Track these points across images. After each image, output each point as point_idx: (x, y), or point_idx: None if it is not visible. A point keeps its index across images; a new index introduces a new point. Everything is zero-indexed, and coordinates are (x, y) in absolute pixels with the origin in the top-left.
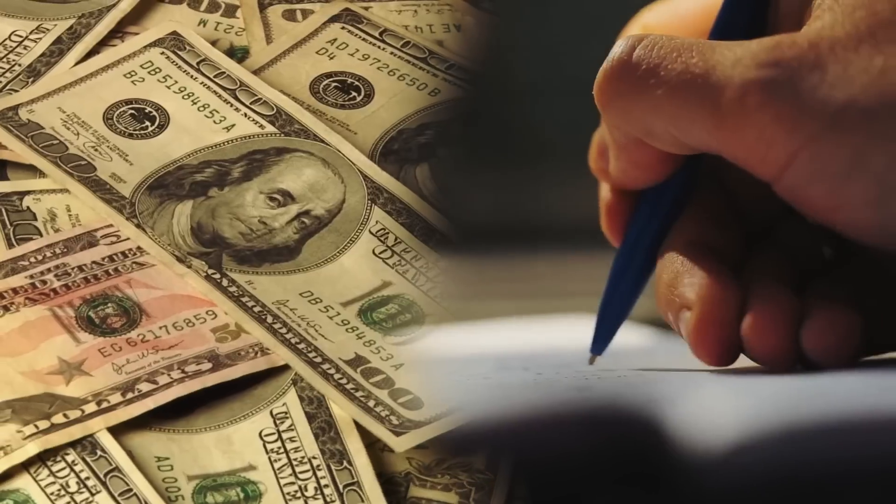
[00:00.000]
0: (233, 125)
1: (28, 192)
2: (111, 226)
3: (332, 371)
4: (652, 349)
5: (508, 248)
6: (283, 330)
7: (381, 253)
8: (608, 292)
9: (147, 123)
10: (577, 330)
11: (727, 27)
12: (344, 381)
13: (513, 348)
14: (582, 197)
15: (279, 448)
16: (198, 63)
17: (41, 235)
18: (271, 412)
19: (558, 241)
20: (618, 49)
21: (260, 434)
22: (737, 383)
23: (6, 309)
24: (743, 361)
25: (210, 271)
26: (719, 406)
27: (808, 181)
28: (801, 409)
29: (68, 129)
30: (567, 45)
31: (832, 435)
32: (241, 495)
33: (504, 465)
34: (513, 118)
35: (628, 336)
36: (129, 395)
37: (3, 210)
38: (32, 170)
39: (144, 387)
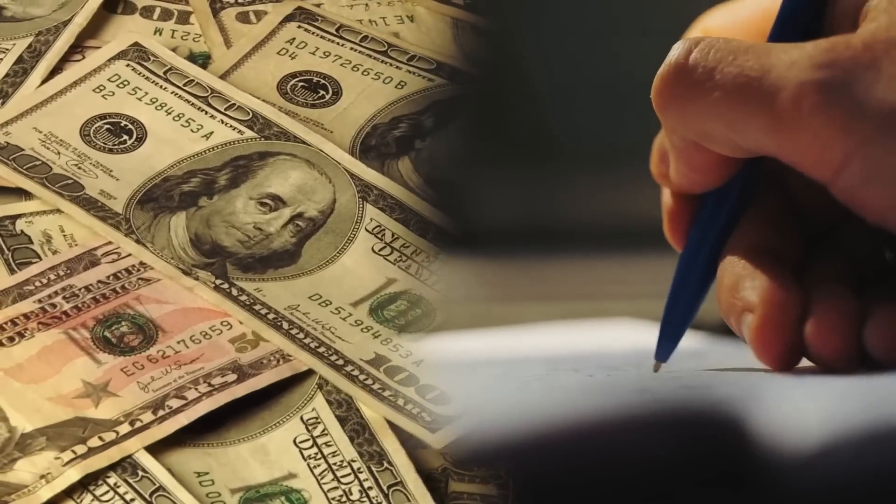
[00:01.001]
0: (211, 132)
1: (19, 216)
2: (110, 243)
3: (357, 372)
4: (705, 352)
5: (528, 250)
6: (301, 335)
7: (380, 250)
8: (672, 297)
9: (125, 137)
10: (621, 332)
11: (785, 30)
12: (370, 381)
13: (560, 350)
14: (602, 199)
15: (316, 454)
16: (165, 73)
17: (40, 258)
18: (302, 418)
19: (580, 243)
20: (675, 52)
21: (294, 441)
22: (817, 384)
23: (21, 335)
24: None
25: (218, 282)
26: (804, 407)
27: (864, 183)
28: (886, 411)
29: (48, 148)
30: (583, 46)
31: None
32: None
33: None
34: (531, 118)
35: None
36: (161, 413)
37: None
38: (16, 193)
39: (174, 403)
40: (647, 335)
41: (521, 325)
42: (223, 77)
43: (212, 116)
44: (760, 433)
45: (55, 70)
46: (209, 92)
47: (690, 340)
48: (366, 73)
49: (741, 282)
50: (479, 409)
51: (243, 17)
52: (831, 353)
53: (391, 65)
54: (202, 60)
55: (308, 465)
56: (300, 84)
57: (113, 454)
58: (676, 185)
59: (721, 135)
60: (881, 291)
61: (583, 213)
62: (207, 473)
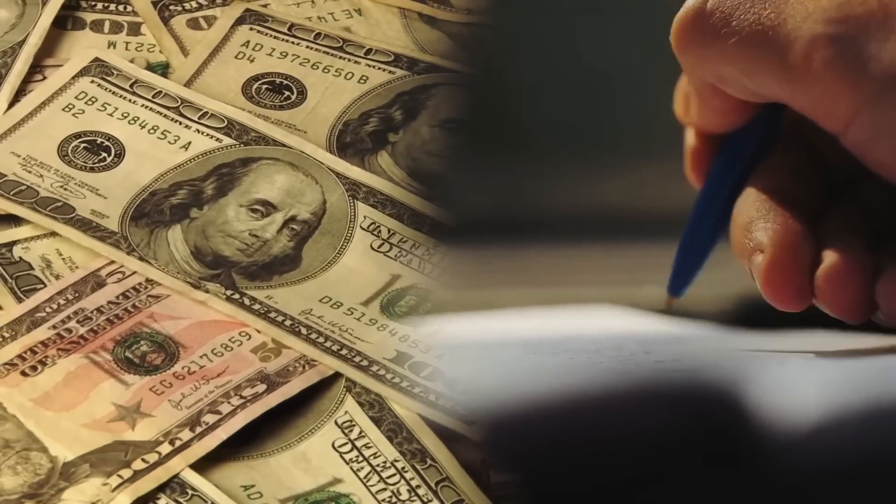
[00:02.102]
0: (189, 143)
1: (14, 243)
2: (111, 263)
3: (383, 372)
4: (688, 338)
5: (505, 239)
6: (321, 339)
7: (379, 247)
8: (689, 235)
9: (104, 155)
10: (599, 317)
11: None
12: (398, 379)
13: (538, 334)
14: (578, 188)
15: (357, 457)
16: (131, 86)
17: (44, 284)
18: (336, 422)
19: (557, 232)
20: None
21: (333, 446)
22: (813, 363)
23: (42, 364)
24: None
25: (228, 292)
26: (799, 385)
27: (873, 137)
28: (884, 389)
29: (30, 172)
30: (561, 36)
31: None
32: None
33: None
34: (506, 107)
35: (658, 324)
36: (199, 430)
37: None
38: (5, 220)
39: (210, 418)
40: (625, 320)
41: (497, 310)
42: (187, 85)
43: (186, 126)
44: (756, 412)
45: (19, 92)
46: (179, 102)
47: (673, 327)
48: (326, 70)
49: (754, 222)
50: (468, 390)
51: (194, 24)
52: (841, 301)
53: (349, 60)
54: (161, 70)
55: (351, 468)
56: (264, 87)
57: (160, 475)
58: (698, 125)
59: (735, 80)
60: None
61: (559, 202)
62: (254, 486)
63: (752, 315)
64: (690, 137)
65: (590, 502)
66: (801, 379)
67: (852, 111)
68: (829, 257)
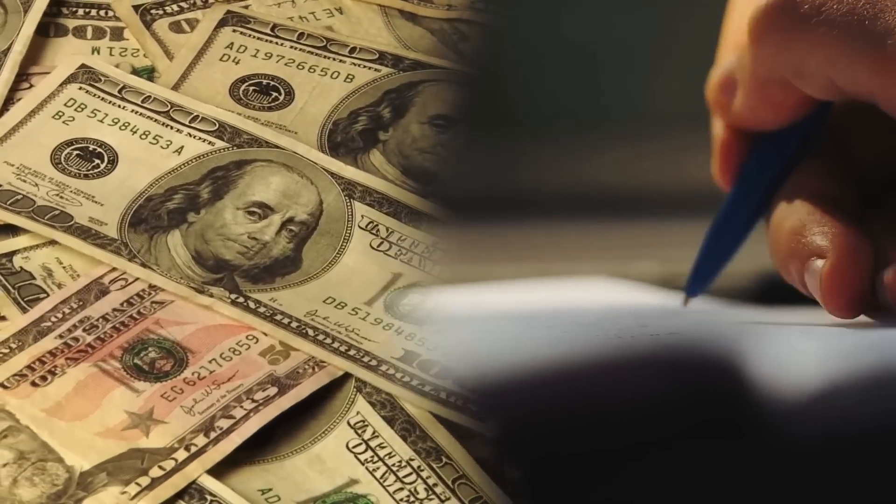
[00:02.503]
0: (182, 147)
1: (14, 252)
2: (113, 270)
3: (392, 371)
4: (680, 310)
5: (502, 215)
6: (328, 340)
7: (378, 246)
8: (714, 234)
9: (97, 161)
10: (593, 290)
11: None
12: (408, 378)
13: (533, 307)
14: (572, 165)
15: (372, 457)
16: (119, 91)
17: (46, 293)
18: (349, 423)
19: (551, 208)
20: None
21: (347, 447)
22: (812, 331)
23: (52, 373)
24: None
25: (233, 296)
26: (800, 353)
27: None
28: (883, 357)
29: (25, 181)
30: (550, 15)
31: None
32: None
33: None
34: (502, 88)
35: (653, 298)
36: (213, 435)
37: (0, 277)
38: (2, 231)
39: (223, 423)
40: (620, 293)
41: (491, 283)
42: (174, 89)
43: (178, 131)
44: (755, 381)
45: (7, 101)
46: (169, 106)
47: (668, 300)
48: (311, 70)
49: (808, 226)
50: (463, 361)
51: (176, 27)
52: None
53: (334, 59)
54: (146, 75)
55: (367, 468)
56: (251, 88)
57: (177, 482)
58: (739, 119)
59: (818, 72)
60: None
61: (553, 179)
62: (271, 489)
63: (747, 290)
64: (721, 131)
65: (586, 468)
66: (800, 348)
67: None
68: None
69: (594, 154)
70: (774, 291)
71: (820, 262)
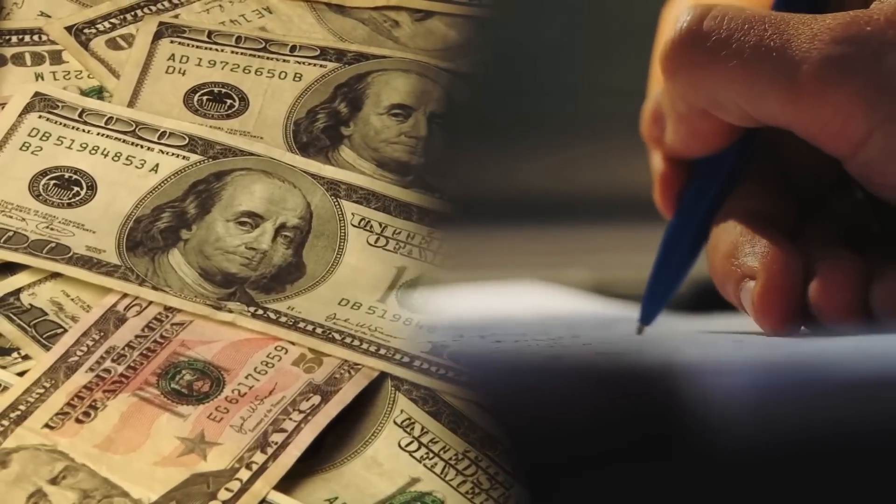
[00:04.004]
0: (157, 165)
1: (19, 290)
2: (125, 296)
3: (427, 365)
4: (612, 319)
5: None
6: (357, 342)
7: (376, 243)
8: (660, 262)
9: (76, 189)
10: (525, 297)
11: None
12: (443, 371)
13: (465, 316)
14: (504, 172)
15: (427, 454)
16: (80, 115)
17: (62, 328)
18: (395, 422)
19: (482, 214)
20: (686, 18)
21: (400, 446)
22: (742, 344)
23: (93, 408)
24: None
25: (252, 309)
26: (732, 369)
27: (884, 160)
28: (817, 371)
29: (11, 217)
30: (549, 16)
31: (852, 394)
32: None
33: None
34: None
35: (584, 305)
36: (270, 450)
37: (12, 316)
38: None
39: (277, 437)
40: (551, 300)
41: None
42: (130, 107)
43: (149, 149)
44: (686, 394)
45: None
46: (134, 125)
47: (600, 307)
48: (258, 73)
49: (740, 247)
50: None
51: (113, 44)
52: (838, 312)
53: (277, 60)
54: (95, 95)
55: (425, 466)
56: (205, 98)
57: (248, 501)
58: (672, 150)
59: (732, 104)
60: (876, 253)
61: (485, 184)
62: (337, 498)
63: (678, 297)
64: (658, 163)
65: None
66: (732, 361)
67: (864, 133)
68: (823, 270)
69: (525, 158)
70: (710, 298)
71: (752, 283)
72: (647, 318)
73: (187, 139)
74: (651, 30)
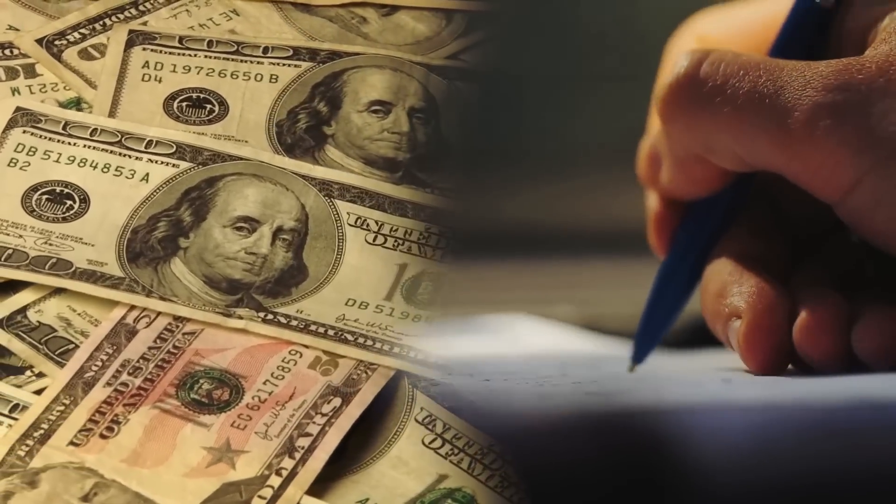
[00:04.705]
0: (147, 174)
1: (25, 308)
2: (133, 308)
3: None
4: (605, 360)
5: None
6: (370, 342)
7: (374, 241)
8: (653, 301)
9: (69, 203)
10: (515, 335)
11: (789, 45)
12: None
13: (453, 354)
14: (493, 205)
15: (452, 450)
16: (64, 128)
17: (73, 343)
18: (416, 420)
19: (470, 249)
20: (683, 63)
21: (424, 443)
22: (736, 386)
23: (116, 422)
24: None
25: (261, 314)
26: (724, 411)
27: (872, 206)
28: (818, 414)
29: (7, 234)
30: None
31: (844, 439)
32: None
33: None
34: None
35: (574, 341)
36: (297, 455)
37: (22, 335)
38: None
39: (303, 442)
40: (540, 337)
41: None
42: (111, 118)
43: (137, 158)
44: (679, 440)
45: None
46: (119, 136)
47: (589, 344)
48: (234, 76)
49: (728, 287)
50: None
51: (86, 55)
52: (820, 352)
53: (252, 62)
54: (74, 107)
55: (451, 462)
56: (185, 104)
57: None
58: (667, 192)
59: (726, 149)
60: (868, 295)
61: (475, 218)
62: (368, 499)
63: (671, 333)
64: (654, 202)
65: None
66: (722, 402)
67: (853, 180)
68: (805, 311)
69: (510, 193)
70: (704, 335)
71: (738, 323)
72: (638, 357)
73: (175, 147)
74: (642, 61)
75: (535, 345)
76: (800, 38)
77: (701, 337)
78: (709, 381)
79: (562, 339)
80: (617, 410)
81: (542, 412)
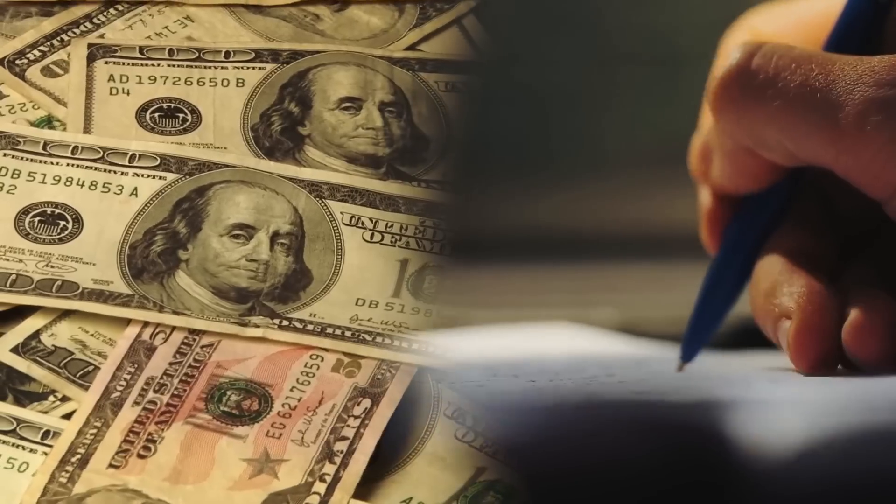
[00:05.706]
0: (135, 188)
1: (38, 333)
2: (146, 325)
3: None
4: (647, 360)
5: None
6: (388, 341)
7: (371, 239)
8: (703, 298)
9: (63, 223)
10: (560, 338)
11: (843, 40)
12: None
13: (499, 356)
14: (527, 209)
15: (485, 442)
16: (45, 148)
17: (92, 365)
18: (446, 414)
19: (510, 253)
20: (735, 56)
21: (456, 437)
22: (793, 387)
23: (151, 441)
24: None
25: (276, 321)
26: (781, 410)
27: None
28: (870, 413)
29: (7, 259)
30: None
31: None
32: (500, 497)
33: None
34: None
35: (615, 344)
36: (338, 460)
37: (40, 360)
38: (5, 317)
39: (341, 446)
40: (586, 341)
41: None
42: (87, 134)
43: (123, 174)
44: (733, 439)
45: None
46: (101, 152)
47: (631, 347)
48: (200, 83)
49: (778, 287)
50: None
51: (49, 72)
52: (869, 353)
53: (215, 68)
54: (45, 126)
55: (486, 454)
56: (157, 115)
57: None
58: (719, 186)
59: (777, 143)
60: None
61: (510, 222)
62: (412, 498)
63: (728, 335)
64: (706, 198)
65: None
66: (773, 401)
67: None
68: (855, 312)
69: (547, 195)
70: (754, 335)
71: (787, 324)
72: (688, 356)
73: (159, 159)
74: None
75: (577, 347)
76: (854, 32)
77: (744, 338)
78: (757, 380)
79: (602, 341)
80: (670, 409)
81: (590, 411)
